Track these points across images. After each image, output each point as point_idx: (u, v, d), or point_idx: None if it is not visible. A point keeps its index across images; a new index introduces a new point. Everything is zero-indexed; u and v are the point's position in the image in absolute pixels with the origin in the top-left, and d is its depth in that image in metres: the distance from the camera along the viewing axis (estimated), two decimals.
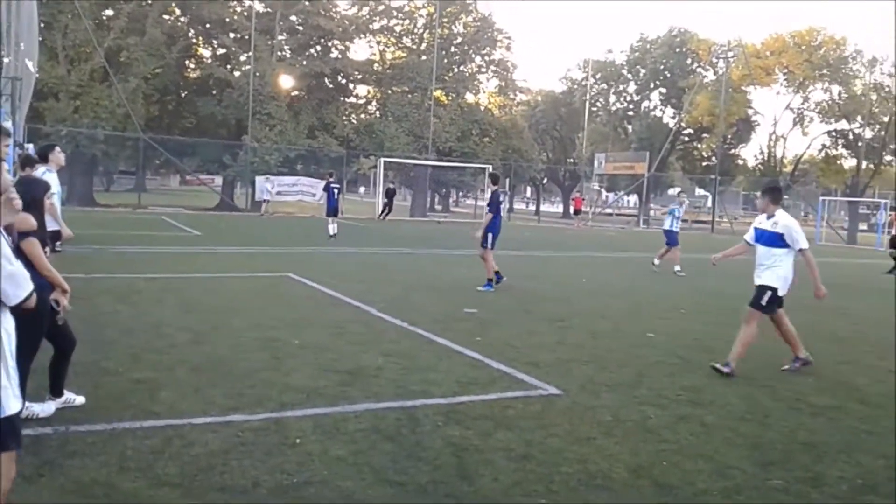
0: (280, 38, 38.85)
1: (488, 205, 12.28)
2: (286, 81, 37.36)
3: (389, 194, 36.45)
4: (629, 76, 55.96)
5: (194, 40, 39.03)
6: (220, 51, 39.42)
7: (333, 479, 4.04)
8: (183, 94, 39.45)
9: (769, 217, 6.97)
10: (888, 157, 44.32)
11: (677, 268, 16.32)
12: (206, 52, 40.33)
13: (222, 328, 7.80)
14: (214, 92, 37.90)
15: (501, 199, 12.45)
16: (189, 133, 36.80)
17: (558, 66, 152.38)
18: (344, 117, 42.24)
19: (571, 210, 43.21)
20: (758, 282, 6.90)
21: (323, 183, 24.65)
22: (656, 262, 16.73)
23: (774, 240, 6.84)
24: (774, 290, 6.79)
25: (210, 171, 42.39)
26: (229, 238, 19.63)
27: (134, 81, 33.27)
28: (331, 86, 41.61)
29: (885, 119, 41.52)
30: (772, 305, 6.86)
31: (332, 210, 20.77)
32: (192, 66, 40.02)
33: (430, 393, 5.70)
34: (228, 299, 9.68)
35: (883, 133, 41.94)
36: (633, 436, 5.04)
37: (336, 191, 21.21)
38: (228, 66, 38.90)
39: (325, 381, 5.90)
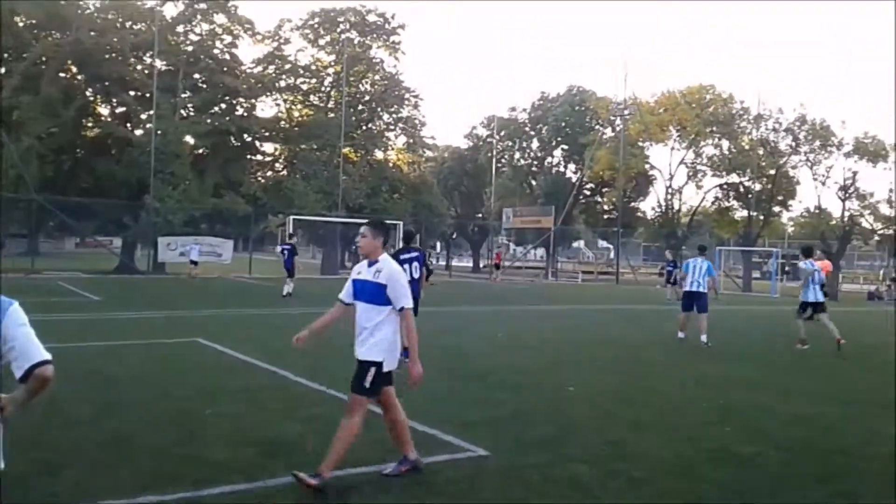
0: (183, 95, 38.20)
1: None
2: (190, 140, 36.68)
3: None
4: (532, 133, 57.70)
5: (92, 98, 37.91)
6: (120, 109, 38.40)
7: None
8: (80, 154, 38.04)
9: (371, 264, 5.18)
10: (776, 209, 46.95)
11: (704, 337, 13.50)
12: (104, 111, 39.22)
13: (129, 400, 7.35)
14: (114, 151, 36.73)
15: (403, 257, 10.38)
16: (87, 194, 35.38)
17: (462, 122, 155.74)
18: (251, 175, 41.69)
19: (493, 264, 44.15)
20: (360, 355, 5.08)
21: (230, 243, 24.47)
22: (703, 338, 13.38)
23: (377, 295, 5.07)
24: (379, 364, 5.02)
25: (109, 232, 40.79)
26: (132, 302, 18.80)
27: (27, 141, 31.91)
28: (236, 143, 41.06)
29: (772, 172, 44.07)
30: (377, 386, 5.08)
31: (288, 270, 21.44)
32: (89, 124, 38.77)
33: (355, 461, 5.47)
34: (134, 368, 9.18)
35: (770, 185, 44.47)
36: (565, 495, 4.96)
37: (287, 251, 21.91)
38: (129, 125, 37.90)
39: (243, 454, 5.59)
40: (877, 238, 46.54)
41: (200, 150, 38.93)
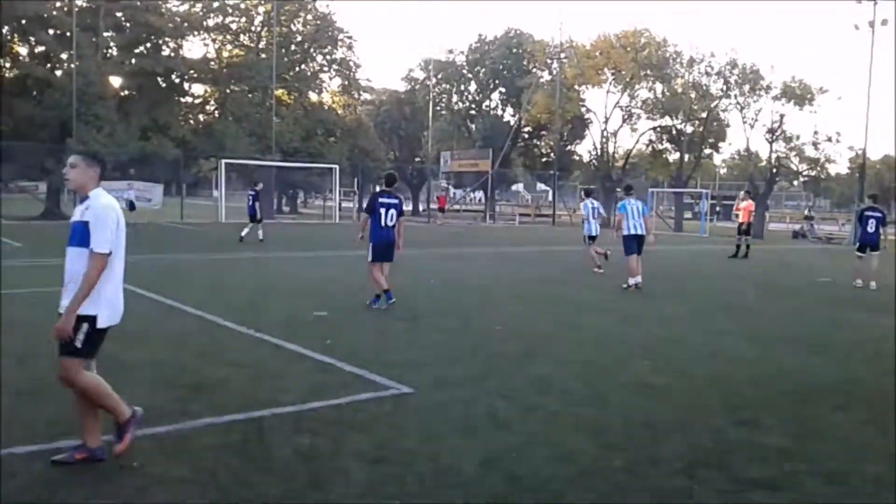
0: (105, 35, 36.61)
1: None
2: (115, 81, 35.29)
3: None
4: (470, 76, 57.29)
5: (9, 37, 35.99)
6: (39, 48, 36.62)
7: (175, 502, 3.82)
8: None
9: (83, 200, 4.35)
10: (707, 151, 47.88)
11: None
12: (22, 51, 37.33)
13: (48, 348, 7.19)
14: (35, 93, 35.12)
15: (382, 201, 10.13)
16: (5, 137, 33.83)
17: (400, 65, 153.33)
18: (180, 118, 40.47)
19: (438, 207, 44.51)
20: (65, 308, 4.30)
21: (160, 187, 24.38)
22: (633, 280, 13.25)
23: (84, 236, 4.23)
24: (93, 319, 4.32)
25: (33, 177, 39.29)
26: (55, 249, 18.19)
27: None
28: (164, 85, 39.67)
29: (703, 115, 44.84)
30: (93, 346, 4.37)
31: (250, 216, 21.80)
32: (7, 65, 36.87)
33: (278, 402, 5.53)
34: (55, 315, 8.95)
35: (701, 128, 45.30)
36: (483, 429, 5.12)
37: (251, 197, 22.08)
38: (49, 65, 36.22)
39: (164, 397, 5.58)
40: (802, 179, 47.97)
41: (126, 92, 37.55)
